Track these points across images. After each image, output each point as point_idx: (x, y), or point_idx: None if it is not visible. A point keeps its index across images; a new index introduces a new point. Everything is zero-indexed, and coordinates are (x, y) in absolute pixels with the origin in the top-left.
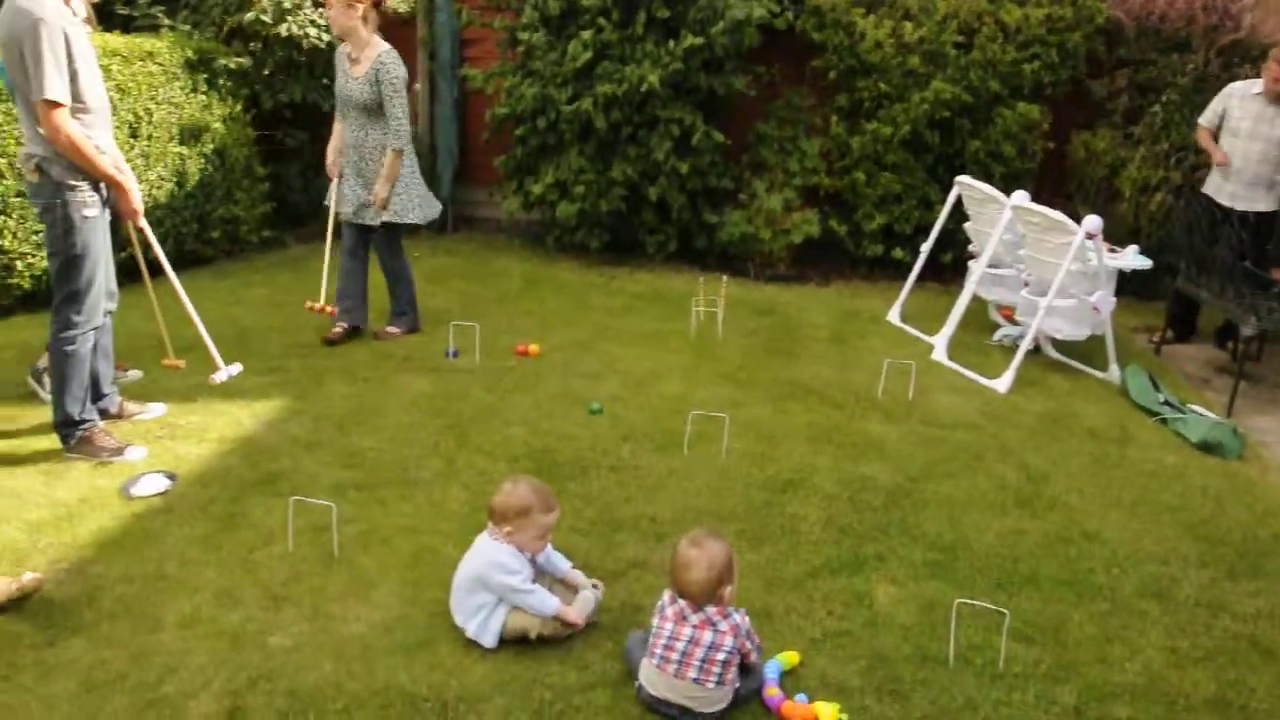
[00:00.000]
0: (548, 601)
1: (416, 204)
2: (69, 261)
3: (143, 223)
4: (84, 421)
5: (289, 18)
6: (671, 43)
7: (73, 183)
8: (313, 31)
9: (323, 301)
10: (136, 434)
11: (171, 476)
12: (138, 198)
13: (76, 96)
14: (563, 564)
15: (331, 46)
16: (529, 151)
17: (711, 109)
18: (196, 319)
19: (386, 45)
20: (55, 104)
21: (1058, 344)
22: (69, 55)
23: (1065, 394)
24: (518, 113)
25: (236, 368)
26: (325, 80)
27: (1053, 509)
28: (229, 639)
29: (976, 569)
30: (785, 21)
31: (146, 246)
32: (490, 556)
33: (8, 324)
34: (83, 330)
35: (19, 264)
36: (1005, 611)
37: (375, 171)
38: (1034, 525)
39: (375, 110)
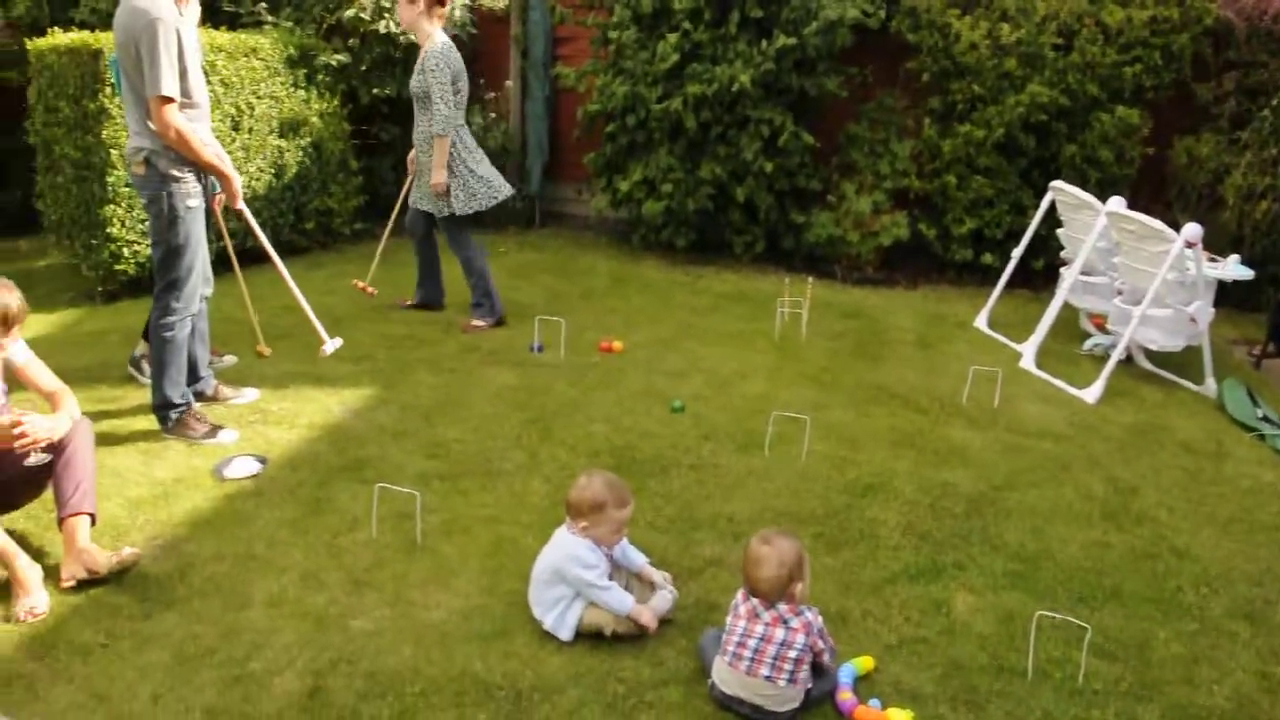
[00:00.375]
0: (623, 599)
1: (460, 195)
2: (171, 251)
3: (241, 206)
4: (181, 404)
5: (386, 14)
6: (764, 43)
7: (178, 175)
8: None
9: (367, 282)
10: (230, 418)
11: (262, 460)
12: (238, 185)
13: (185, 93)
14: (638, 558)
15: None
16: (618, 149)
17: (802, 110)
18: (300, 298)
19: (443, 38)
20: (168, 99)
21: (1151, 355)
22: (180, 53)
23: (1158, 406)
24: (608, 110)
25: (339, 341)
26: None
27: (1141, 523)
28: (313, 620)
29: (1058, 581)
30: (878, 22)
31: (244, 235)
32: (568, 550)
33: (113, 309)
34: (181, 316)
35: (125, 251)
36: (1087, 626)
37: (426, 162)
38: (1120, 539)
39: (425, 100)
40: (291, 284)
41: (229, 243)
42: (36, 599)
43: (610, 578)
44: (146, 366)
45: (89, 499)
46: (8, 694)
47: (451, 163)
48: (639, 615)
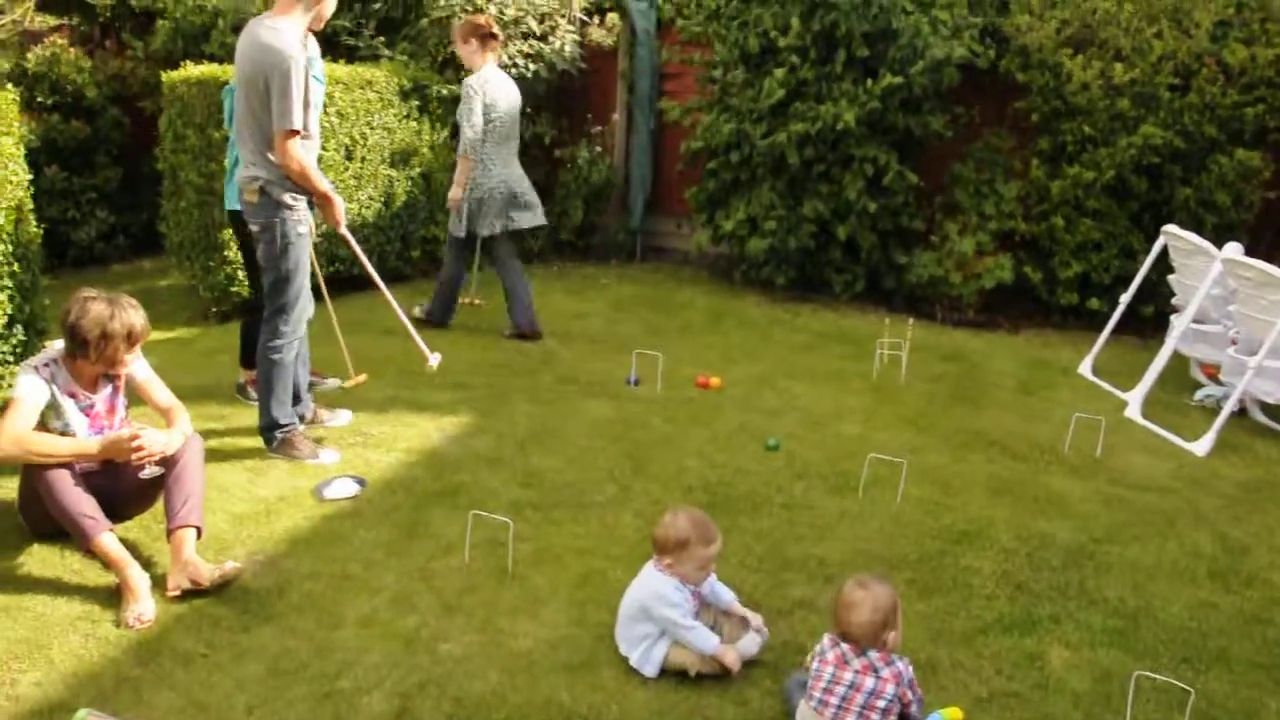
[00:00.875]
0: (708, 639)
1: (459, 217)
2: (282, 277)
3: (344, 231)
4: (286, 425)
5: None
6: (869, 81)
7: (291, 203)
8: (520, 61)
9: (473, 296)
10: (332, 439)
11: (361, 482)
12: (342, 210)
13: (304, 125)
14: (726, 595)
15: (537, 76)
16: (721, 185)
17: (907, 149)
18: (401, 314)
19: (490, 72)
20: (294, 132)
21: (1267, 408)
22: (306, 88)
23: (1273, 462)
24: (712, 146)
25: (439, 356)
26: (527, 110)
27: (1251, 585)
28: (403, 642)
29: (1160, 641)
30: (987, 61)
31: (350, 262)
32: (654, 588)
33: (225, 329)
34: (289, 340)
35: (240, 274)
36: (1190, 689)
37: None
38: (1228, 600)
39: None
40: (392, 300)
41: (319, 273)
42: (145, 606)
43: (697, 615)
44: (251, 391)
45: (196, 513)
46: (116, 697)
47: (470, 185)
48: (723, 655)
